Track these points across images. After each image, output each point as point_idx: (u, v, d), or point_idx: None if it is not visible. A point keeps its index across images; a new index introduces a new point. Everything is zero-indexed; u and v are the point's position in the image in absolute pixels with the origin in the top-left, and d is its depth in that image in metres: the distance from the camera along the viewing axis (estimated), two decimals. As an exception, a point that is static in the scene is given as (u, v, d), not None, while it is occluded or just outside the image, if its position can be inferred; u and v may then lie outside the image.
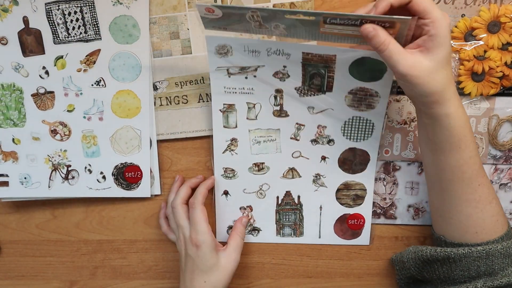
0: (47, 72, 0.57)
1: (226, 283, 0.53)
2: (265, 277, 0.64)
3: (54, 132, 0.58)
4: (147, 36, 0.55)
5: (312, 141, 0.57)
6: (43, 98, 0.57)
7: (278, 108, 0.55)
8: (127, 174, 0.59)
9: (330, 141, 0.56)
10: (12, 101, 0.58)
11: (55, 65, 0.56)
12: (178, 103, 0.58)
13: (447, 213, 0.50)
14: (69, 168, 0.59)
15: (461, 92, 0.54)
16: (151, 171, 0.59)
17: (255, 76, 0.52)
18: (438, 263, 0.50)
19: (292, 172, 0.58)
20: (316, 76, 0.51)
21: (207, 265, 0.52)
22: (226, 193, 0.59)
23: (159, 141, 0.59)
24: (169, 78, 0.57)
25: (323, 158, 0.58)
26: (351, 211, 0.60)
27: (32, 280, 0.65)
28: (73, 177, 0.60)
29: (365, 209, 0.60)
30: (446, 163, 0.46)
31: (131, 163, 0.59)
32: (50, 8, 0.55)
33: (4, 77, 0.57)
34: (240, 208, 0.60)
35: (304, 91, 0.53)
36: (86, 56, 0.56)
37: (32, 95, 0.57)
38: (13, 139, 0.59)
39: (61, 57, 0.56)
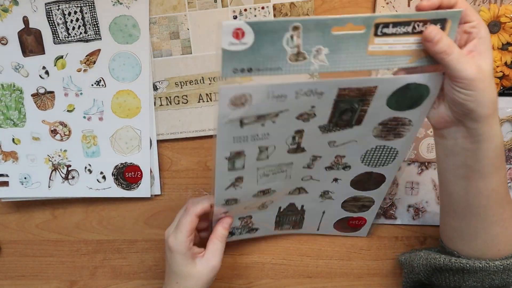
0: (47, 72, 0.57)
1: None
2: (265, 277, 0.64)
3: (54, 132, 0.58)
4: (147, 36, 0.55)
5: (326, 168, 0.51)
6: (43, 98, 0.57)
7: (295, 146, 0.46)
8: (127, 174, 0.59)
9: (346, 167, 0.51)
10: (12, 101, 0.58)
11: (55, 65, 0.56)
12: (178, 103, 0.58)
13: (471, 235, 0.46)
14: (69, 168, 0.59)
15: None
16: (151, 171, 0.59)
17: (274, 122, 0.41)
18: (450, 272, 0.48)
19: (299, 190, 0.54)
20: (347, 112, 0.43)
21: (180, 269, 0.49)
22: (226, 213, 0.53)
23: (159, 141, 0.59)
24: (169, 78, 0.57)
25: (335, 179, 0.53)
26: (354, 215, 0.59)
27: (32, 280, 0.65)
28: (73, 177, 0.60)
29: (368, 215, 0.59)
30: (485, 188, 0.42)
31: (131, 163, 0.59)
32: (50, 8, 0.55)
33: (4, 77, 0.57)
34: (239, 218, 0.56)
35: (329, 128, 0.44)
36: (86, 56, 0.56)
37: (32, 95, 0.57)
38: (13, 139, 0.59)
39: (61, 57, 0.56)
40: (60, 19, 0.55)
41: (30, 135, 0.59)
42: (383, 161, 0.50)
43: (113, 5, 0.54)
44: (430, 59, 0.38)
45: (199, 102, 0.58)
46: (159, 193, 0.61)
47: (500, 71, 0.53)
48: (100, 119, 0.58)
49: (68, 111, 0.58)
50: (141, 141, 0.58)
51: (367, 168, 0.51)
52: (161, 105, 0.58)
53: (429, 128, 0.56)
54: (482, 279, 0.46)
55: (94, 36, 0.55)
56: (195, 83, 0.57)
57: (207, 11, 0.55)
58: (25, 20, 0.55)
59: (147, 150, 0.59)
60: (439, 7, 0.37)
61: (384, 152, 0.49)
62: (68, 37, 0.55)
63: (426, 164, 0.59)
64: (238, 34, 0.34)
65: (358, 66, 0.38)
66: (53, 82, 0.57)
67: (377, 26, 0.36)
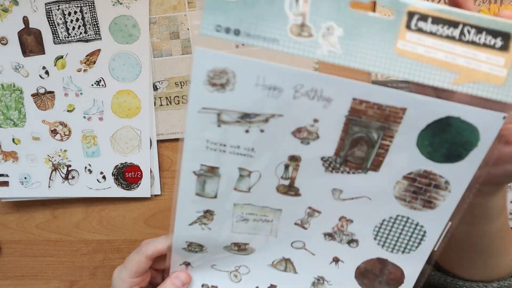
0: (47, 72, 0.57)
1: None
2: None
3: (54, 132, 0.58)
4: (147, 36, 0.55)
5: (326, 234, 0.37)
6: (43, 98, 0.57)
7: (287, 182, 0.34)
8: (127, 174, 0.59)
9: (352, 242, 0.37)
10: (12, 101, 0.58)
11: (55, 65, 0.56)
12: (178, 103, 0.58)
13: (471, 264, 0.45)
14: (69, 168, 0.59)
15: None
16: (151, 171, 0.59)
17: (262, 131, 0.31)
18: None
19: (286, 263, 0.40)
20: (362, 143, 0.31)
21: None
22: (187, 264, 0.40)
23: (159, 141, 0.59)
24: (169, 78, 0.57)
25: (336, 260, 0.38)
26: None
27: (32, 280, 0.65)
28: (73, 177, 0.60)
29: None
30: (489, 231, 0.40)
31: (131, 163, 0.59)
32: (50, 8, 0.55)
33: (4, 77, 0.57)
34: (203, 286, 0.41)
35: (335, 164, 0.32)
36: (86, 56, 0.56)
37: (32, 95, 0.57)
38: (13, 139, 0.59)
39: (61, 57, 0.56)
40: (60, 19, 0.55)
41: (30, 135, 0.59)
42: (404, 244, 0.36)
43: (113, 5, 0.54)
44: (489, 87, 0.26)
45: (199, 102, 0.58)
46: (159, 193, 0.61)
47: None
48: (100, 119, 0.58)
49: (68, 111, 0.58)
50: (141, 141, 0.58)
51: (380, 250, 0.36)
52: (161, 105, 0.58)
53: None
54: None
55: (94, 36, 0.55)
56: (195, 83, 0.57)
57: (207, 11, 0.55)
58: (25, 20, 0.55)
59: (147, 150, 0.59)
60: None
61: (406, 227, 0.35)
62: (68, 37, 0.55)
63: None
64: None
65: (381, 67, 0.27)
66: (53, 82, 0.57)
67: (410, 15, 0.26)
